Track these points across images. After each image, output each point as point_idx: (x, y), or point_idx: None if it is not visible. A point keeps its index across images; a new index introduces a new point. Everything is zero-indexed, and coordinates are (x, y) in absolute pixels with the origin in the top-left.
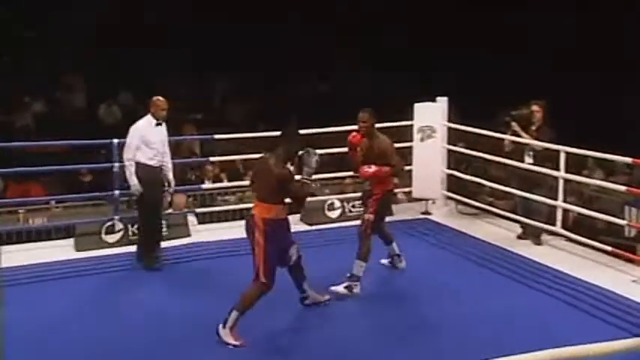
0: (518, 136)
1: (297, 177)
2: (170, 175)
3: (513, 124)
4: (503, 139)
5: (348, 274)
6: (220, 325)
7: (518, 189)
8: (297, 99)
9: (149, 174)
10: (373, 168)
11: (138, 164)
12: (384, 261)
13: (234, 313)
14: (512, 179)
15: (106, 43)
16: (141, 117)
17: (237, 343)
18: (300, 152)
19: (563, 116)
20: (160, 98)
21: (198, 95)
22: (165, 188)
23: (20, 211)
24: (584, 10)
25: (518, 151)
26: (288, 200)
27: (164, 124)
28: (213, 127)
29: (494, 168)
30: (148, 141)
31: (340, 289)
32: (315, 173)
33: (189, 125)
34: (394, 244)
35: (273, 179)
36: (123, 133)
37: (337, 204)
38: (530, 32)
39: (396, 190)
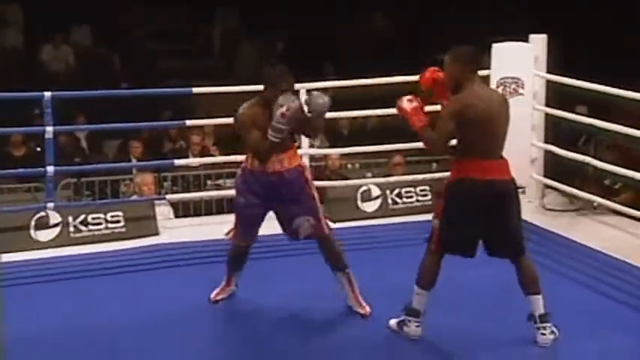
0: None
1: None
2: None
3: None
4: None
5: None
6: None
7: None
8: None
9: None
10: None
11: None
12: None
13: None
14: None
15: None
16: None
17: None
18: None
19: None
20: None
21: (185, 32)
22: None
23: None
24: None
25: None
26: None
27: None
28: (202, 78)
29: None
30: None
31: (393, 323)
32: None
33: None
34: None
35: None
36: (75, 86)
37: (375, 192)
38: None
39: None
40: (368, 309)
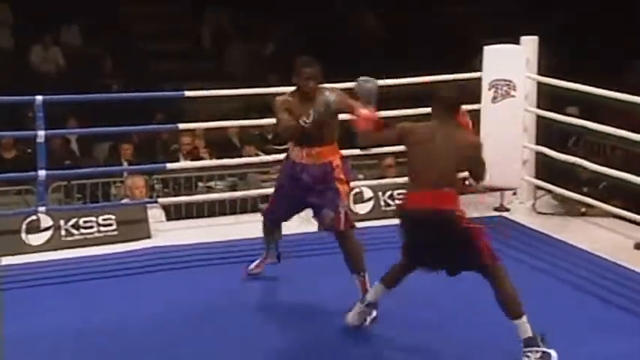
0: None
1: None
2: None
3: None
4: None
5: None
6: None
7: None
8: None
9: None
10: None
11: None
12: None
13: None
14: None
15: None
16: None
17: None
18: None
19: None
20: None
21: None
22: None
23: None
24: None
25: None
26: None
27: None
28: (195, 79)
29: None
30: None
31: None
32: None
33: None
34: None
35: None
36: (65, 88)
37: (368, 194)
38: None
39: None
40: (374, 313)
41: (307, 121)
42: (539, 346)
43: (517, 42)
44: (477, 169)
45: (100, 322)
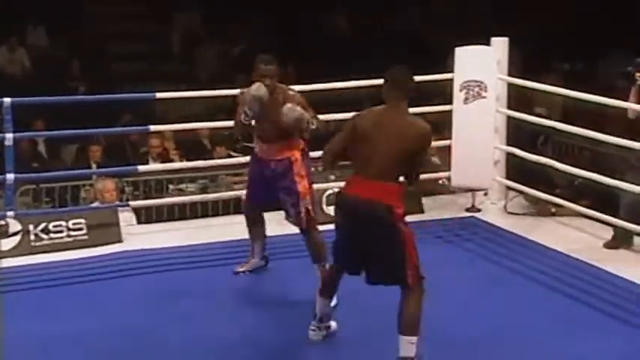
0: None
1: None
2: None
3: None
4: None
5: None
6: None
7: (633, 182)
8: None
9: None
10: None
11: None
12: None
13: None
14: (627, 167)
15: None
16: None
17: None
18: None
19: None
20: None
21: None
22: None
23: None
24: None
25: None
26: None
27: None
28: (164, 80)
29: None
30: None
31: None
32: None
33: None
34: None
35: None
36: (32, 90)
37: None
38: None
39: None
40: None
41: (247, 117)
42: None
43: (482, 43)
44: (415, 166)
45: (71, 329)
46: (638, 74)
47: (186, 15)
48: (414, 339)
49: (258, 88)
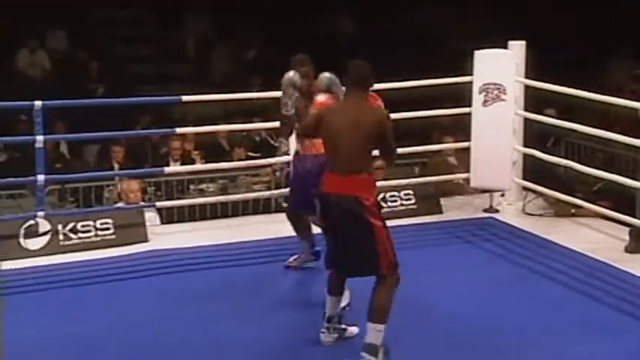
0: None
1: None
2: None
3: None
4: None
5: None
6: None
7: None
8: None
9: None
10: None
11: None
12: None
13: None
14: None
15: None
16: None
17: None
18: None
19: None
20: None
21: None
22: None
23: None
24: None
25: None
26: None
27: None
28: (182, 83)
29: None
30: None
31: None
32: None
33: None
34: None
35: None
36: (52, 92)
37: None
38: None
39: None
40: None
41: (287, 109)
42: (376, 357)
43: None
44: (384, 147)
45: (102, 327)
46: None
47: (199, 18)
48: (382, 327)
49: (293, 74)
